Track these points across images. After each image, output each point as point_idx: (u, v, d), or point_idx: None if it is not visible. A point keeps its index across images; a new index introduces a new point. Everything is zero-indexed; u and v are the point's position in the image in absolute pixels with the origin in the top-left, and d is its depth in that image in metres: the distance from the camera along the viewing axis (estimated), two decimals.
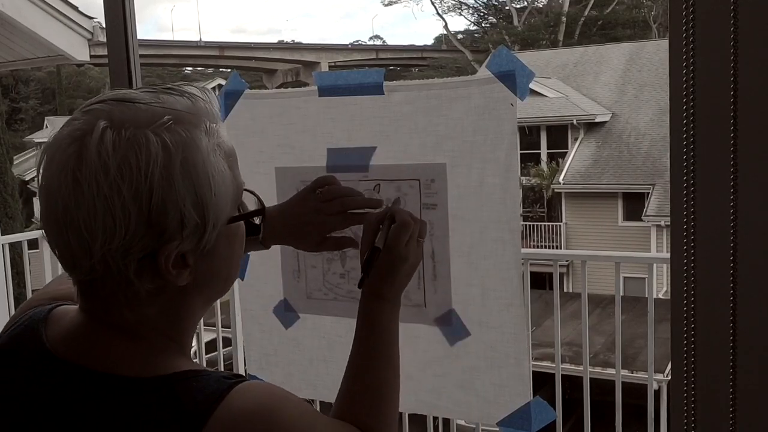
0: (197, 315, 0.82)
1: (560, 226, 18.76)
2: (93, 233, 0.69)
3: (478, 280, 1.14)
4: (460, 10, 41.63)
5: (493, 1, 38.52)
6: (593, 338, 8.68)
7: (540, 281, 10.17)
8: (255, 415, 0.72)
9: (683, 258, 0.88)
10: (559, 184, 18.57)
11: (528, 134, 19.06)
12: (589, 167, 18.53)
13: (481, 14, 39.63)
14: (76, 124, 0.73)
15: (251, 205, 0.86)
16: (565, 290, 14.03)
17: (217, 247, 0.77)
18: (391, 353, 0.98)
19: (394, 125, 1.16)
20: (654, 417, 2.97)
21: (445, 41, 40.86)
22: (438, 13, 55.77)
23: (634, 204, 17.62)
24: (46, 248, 4.05)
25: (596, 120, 19.05)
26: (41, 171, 0.73)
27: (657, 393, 5.74)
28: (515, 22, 35.72)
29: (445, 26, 53.90)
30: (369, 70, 1.19)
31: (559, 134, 19.68)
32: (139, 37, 1.50)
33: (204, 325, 3.41)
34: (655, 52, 20.51)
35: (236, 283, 1.27)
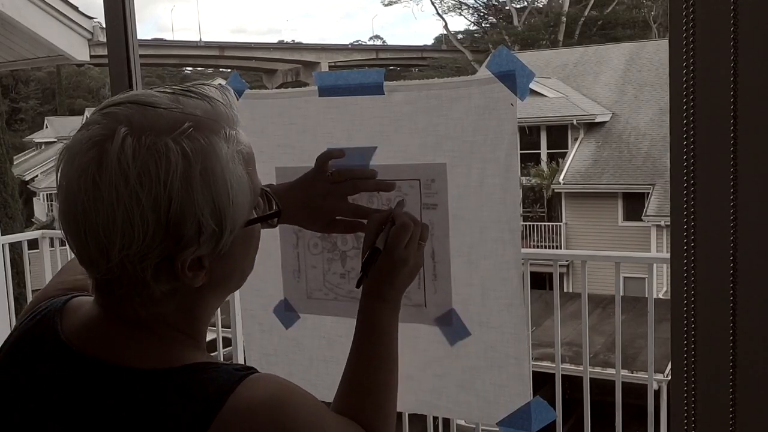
0: (211, 311, 0.83)
1: (560, 226, 18.76)
2: (111, 239, 0.70)
3: (478, 280, 1.14)
4: (460, 10, 41.67)
5: (493, 1, 38.56)
6: (593, 338, 8.68)
7: (540, 281, 10.17)
8: (264, 406, 0.73)
9: (683, 258, 0.88)
10: (559, 184, 18.57)
11: (528, 134, 19.06)
12: (589, 167, 18.53)
13: (481, 14, 39.67)
14: (96, 128, 0.72)
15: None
16: (565, 290, 14.03)
17: (233, 249, 0.77)
18: (390, 354, 0.98)
19: (394, 125, 1.16)
20: (654, 417, 2.97)
21: (445, 41, 40.87)
22: (438, 13, 55.87)
23: (634, 204, 17.62)
24: (46, 248, 4.05)
25: (596, 120, 19.04)
26: (60, 170, 0.73)
27: (657, 393, 5.75)
28: (515, 22, 35.72)
29: (445, 26, 53.98)
30: (369, 70, 1.19)
31: (559, 134, 19.68)
32: (139, 37, 1.50)
33: None
34: (655, 52, 20.51)
35: None
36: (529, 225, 18.66)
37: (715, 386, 0.87)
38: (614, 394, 2.89)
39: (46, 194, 26.56)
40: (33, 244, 4.10)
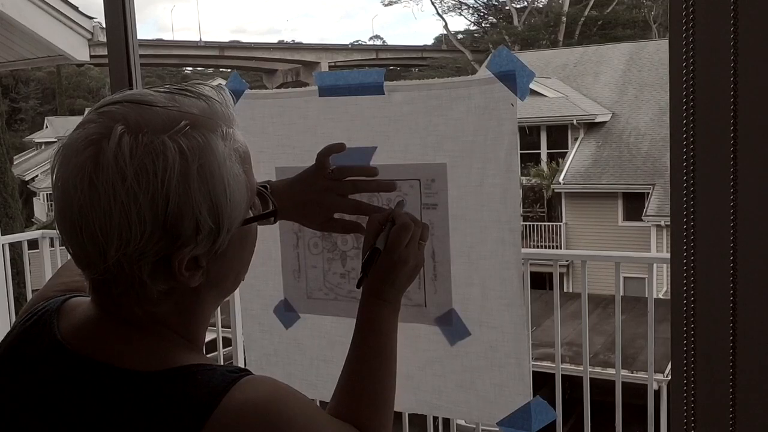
0: (208, 312, 0.82)
1: (560, 226, 18.76)
2: (108, 238, 0.70)
3: (478, 280, 1.14)
4: (460, 10, 41.71)
5: (493, 1, 38.56)
6: (593, 338, 8.68)
7: (540, 281, 10.16)
8: (258, 408, 0.72)
9: (683, 258, 0.88)
10: (559, 184, 18.57)
11: (528, 134, 19.06)
12: (589, 167, 18.53)
13: (481, 14, 39.67)
14: (92, 126, 0.72)
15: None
16: (565, 290, 14.03)
17: (229, 249, 0.77)
18: (389, 354, 0.98)
19: (394, 125, 1.16)
20: (654, 417, 2.97)
21: (445, 41, 40.86)
22: (438, 13, 55.87)
23: (634, 204, 17.62)
24: (46, 248, 4.05)
25: (596, 120, 19.04)
26: (56, 169, 0.73)
27: (657, 393, 5.75)
28: (515, 22, 35.71)
29: (445, 26, 53.99)
30: (369, 70, 1.19)
31: (559, 134, 19.68)
32: (139, 37, 1.50)
33: None
34: (655, 52, 20.51)
35: None
36: (529, 225, 18.66)
37: (715, 386, 0.87)
38: (614, 394, 2.89)
39: (46, 194, 26.55)
40: (33, 244, 4.10)
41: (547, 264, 7.25)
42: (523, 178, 18.00)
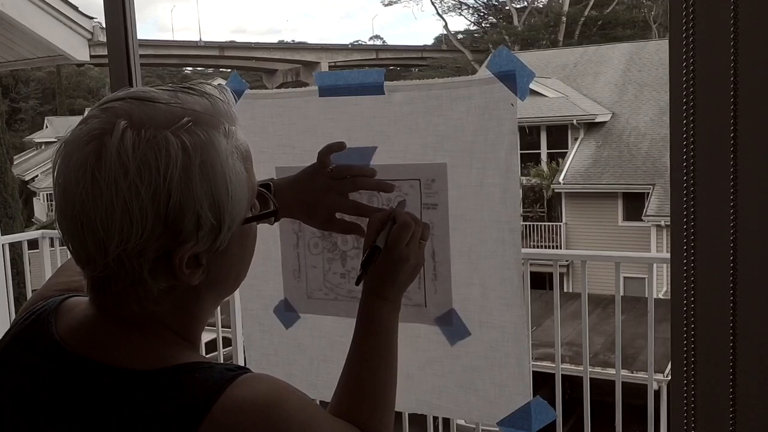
0: (207, 312, 0.82)
1: (560, 226, 18.76)
2: (109, 233, 0.70)
3: (478, 280, 1.14)
4: (460, 10, 41.70)
5: (493, 1, 38.56)
6: (593, 338, 8.68)
7: (540, 281, 10.16)
8: (256, 406, 0.72)
9: (683, 258, 0.88)
10: (559, 184, 18.57)
11: (528, 134, 19.06)
12: (589, 167, 18.53)
13: (481, 14, 39.66)
14: (94, 122, 0.72)
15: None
16: (565, 290, 14.02)
17: (230, 247, 0.77)
18: (389, 353, 0.98)
19: (394, 125, 1.16)
20: (654, 417, 2.97)
21: (445, 41, 40.86)
22: (438, 13, 55.88)
23: (634, 204, 17.62)
24: (46, 248, 4.06)
25: (596, 120, 19.04)
26: (57, 166, 0.73)
27: (657, 393, 5.75)
28: (515, 22, 35.72)
29: (445, 26, 54.01)
30: (369, 70, 1.19)
31: (559, 134, 19.68)
32: (139, 37, 1.49)
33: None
34: (655, 52, 20.51)
35: None
36: (529, 225, 18.66)
37: (715, 386, 0.87)
38: (614, 394, 2.89)
39: (46, 194, 26.55)
40: (33, 244, 4.10)
41: (547, 264, 7.24)
42: (523, 178, 18.00)
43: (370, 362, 0.96)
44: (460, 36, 39.61)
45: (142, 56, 1.50)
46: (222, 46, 39.61)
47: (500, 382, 1.15)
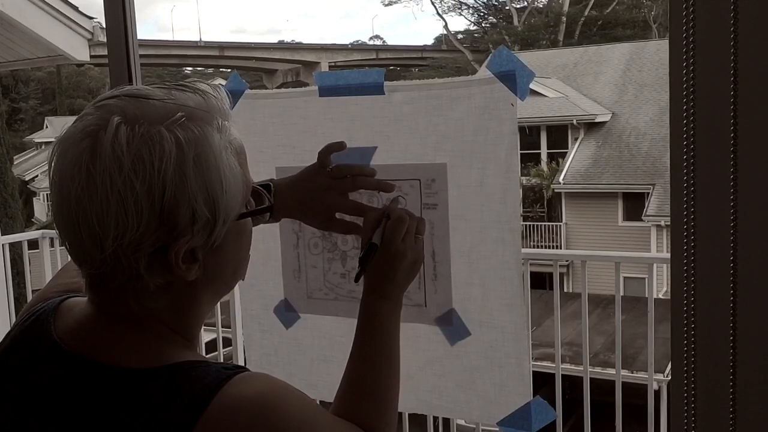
0: (204, 309, 0.83)
1: (560, 226, 18.75)
2: (105, 228, 0.70)
3: (478, 280, 1.14)
4: (460, 10, 41.70)
5: (493, 1, 38.54)
6: (593, 338, 8.68)
7: (540, 281, 10.17)
8: (252, 403, 0.72)
9: (683, 258, 0.88)
10: (559, 184, 18.56)
11: (528, 134, 19.05)
12: (589, 167, 18.52)
13: (481, 14, 39.65)
14: (89, 119, 0.73)
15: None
16: (565, 290, 14.02)
17: (225, 243, 0.78)
18: (391, 352, 0.98)
19: (394, 125, 1.16)
20: (654, 417, 2.97)
21: (445, 41, 40.85)
22: (438, 13, 55.86)
23: (634, 204, 17.61)
24: (46, 248, 4.05)
25: (596, 120, 19.04)
26: (53, 165, 0.74)
27: (657, 393, 5.75)
28: (515, 22, 35.71)
29: (445, 26, 53.97)
30: (369, 70, 1.19)
31: (559, 134, 19.68)
32: (139, 37, 1.50)
33: (204, 325, 3.45)
34: (655, 52, 20.50)
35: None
36: (529, 225, 18.65)
37: (715, 386, 0.87)
38: (614, 394, 2.89)
39: (46, 194, 26.51)
40: (33, 244, 4.10)
41: (547, 264, 7.25)
42: (523, 178, 18.00)
43: (371, 362, 0.96)
44: (460, 36, 39.61)
45: (142, 56, 1.50)
46: (222, 46, 39.59)
47: (500, 382, 1.15)
